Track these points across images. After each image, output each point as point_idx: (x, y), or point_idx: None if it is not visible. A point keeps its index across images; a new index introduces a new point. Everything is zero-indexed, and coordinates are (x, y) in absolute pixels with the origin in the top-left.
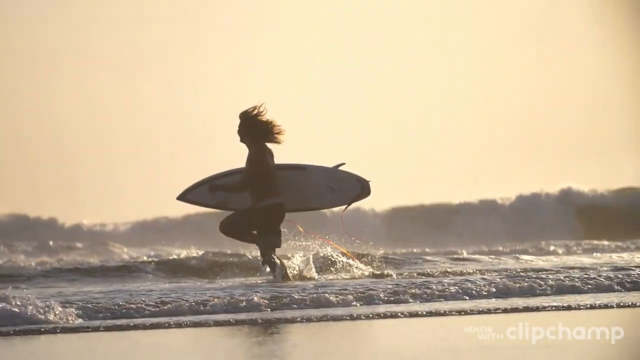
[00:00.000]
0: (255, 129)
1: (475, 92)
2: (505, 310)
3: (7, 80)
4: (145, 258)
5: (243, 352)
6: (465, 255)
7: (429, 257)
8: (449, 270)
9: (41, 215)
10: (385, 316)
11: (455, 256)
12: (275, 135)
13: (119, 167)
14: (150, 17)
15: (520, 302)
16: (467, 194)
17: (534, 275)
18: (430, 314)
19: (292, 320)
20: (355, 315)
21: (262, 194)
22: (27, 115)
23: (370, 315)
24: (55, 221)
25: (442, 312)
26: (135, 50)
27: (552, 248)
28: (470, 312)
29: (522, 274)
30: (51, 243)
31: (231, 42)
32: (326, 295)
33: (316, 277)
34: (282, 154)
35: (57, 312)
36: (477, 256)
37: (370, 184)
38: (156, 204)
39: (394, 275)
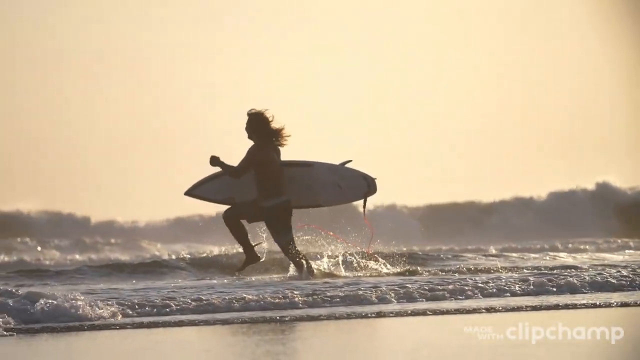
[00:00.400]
0: (262, 130)
1: (505, 89)
2: (506, 310)
3: (43, 79)
4: (178, 255)
5: (282, 349)
6: (493, 252)
7: (465, 255)
8: (470, 268)
9: (75, 213)
10: (412, 314)
11: (484, 253)
12: (280, 140)
13: (153, 165)
14: (162, 17)
15: (521, 301)
16: (502, 192)
17: (550, 274)
18: (434, 312)
19: (329, 317)
20: (390, 313)
21: (267, 193)
22: (61, 115)
23: (409, 312)
24: (88, 218)
25: (444, 311)
26: (148, 51)
27: (582, 246)
28: (471, 312)
29: (534, 272)
30: (87, 240)
31: (240, 40)
32: (359, 291)
33: (348, 275)
34: (300, 151)
35: (100, 309)
36: (506, 254)
37: (376, 181)
38: (189, 201)
39: (424, 273)
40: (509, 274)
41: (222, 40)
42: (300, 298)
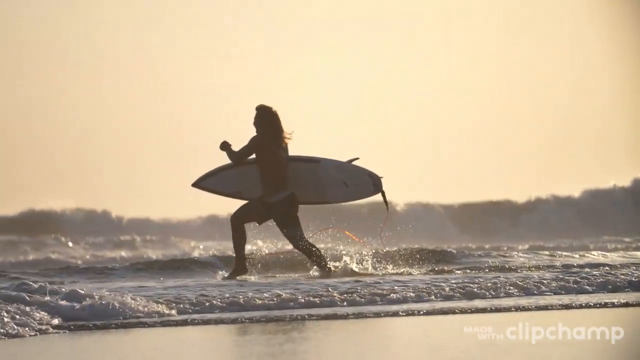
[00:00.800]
0: (270, 125)
1: (537, 86)
2: (506, 310)
3: (76, 79)
4: (211, 252)
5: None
6: (522, 250)
7: (493, 252)
8: (493, 266)
9: (109, 210)
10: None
11: (505, 252)
12: (283, 138)
13: (186, 163)
14: (177, 18)
15: (521, 301)
16: (538, 190)
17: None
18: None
19: (365, 315)
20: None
21: (271, 188)
22: (95, 114)
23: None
24: (122, 216)
25: (445, 311)
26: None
27: (615, 245)
28: (471, 312)
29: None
30: (121, 238)
31: (251, 38)
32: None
33: (378, 273)
34: (319, 148)
35: (143, 307)
36: (537, 252)
37: (382, 180)
38: (222, 199)
39: (457, 272)
40: (537, 272)
41: (233, 40)
42: (338, 296)
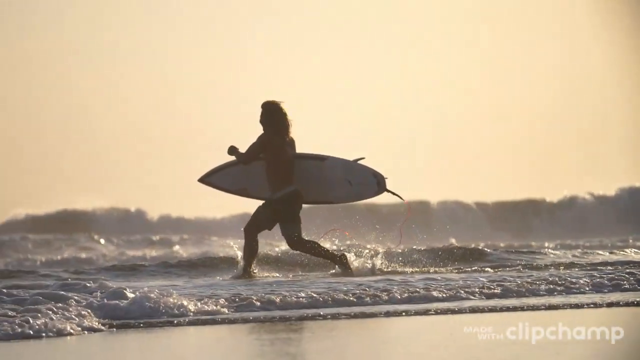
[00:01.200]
0: (276, 121)
1: (572, 86)
2: (506, 310)
3: (109, 80)
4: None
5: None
6: (553, 249)
7: (522, 250)
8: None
9: (142, 209)
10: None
11: (535, 250)
12: (288, 127)
13: (220, 161)
14: (177, 14)
15: (519, 301)
16: (572, 187)
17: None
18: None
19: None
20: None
21: (276, 185)
22: (128, 113)
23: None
24: (156, 215)
25: (444, 311)
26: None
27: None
28: (471, 312)
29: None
30: (155, 237)
31: (258, 38)
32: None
33: (393, 270)
34: (330, 144)
35: (187, 304)
36: (567, 250)
37: (387, 180)
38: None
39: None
40: (569, 271)
41: (241, 40)
42: (377, 294)
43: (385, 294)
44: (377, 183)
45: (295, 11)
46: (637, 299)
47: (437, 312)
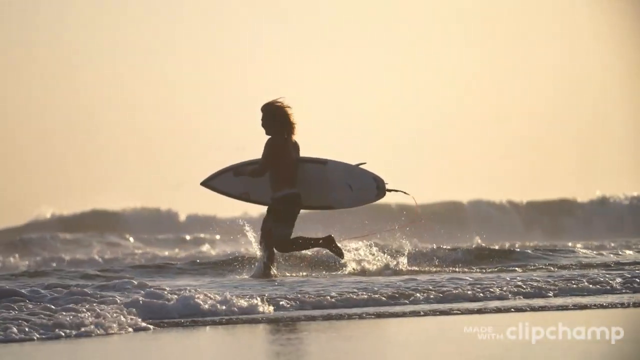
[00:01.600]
0: (278, 121)
1: (604, 85)
2: (506, 310)
3: (141, 81)
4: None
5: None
6: (580, 248)
7: (550, 251)
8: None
9: (173, 209)
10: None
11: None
12: (293, 125)
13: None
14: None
15: (520, 302)
16: (605, 188)
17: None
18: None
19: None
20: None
21: (279, 185)
22: (159, 114)
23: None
24: (186, 214)
25: (444, 311)
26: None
27: None
28: (471, 312)
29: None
30: (187, 237)
31: (261, 39)
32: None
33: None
34: (333, 147)
35: (227, 303)
36: (600, 251)
37: (387, 185)
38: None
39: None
40: (603, 271)
41: (245, 41)
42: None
43: (420, 293)
44: (377, 187)
45: (295, 12)
46: (637, 300)
47: (461, 312)
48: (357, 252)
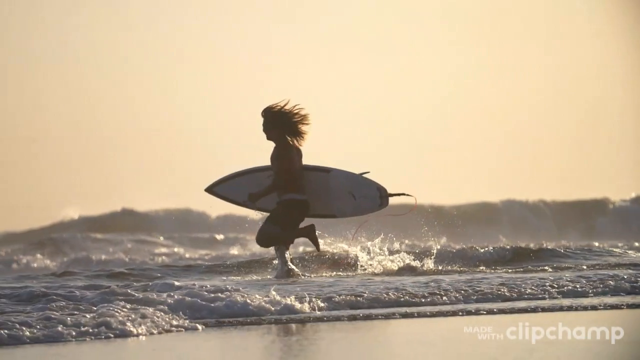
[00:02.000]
0: (278, 120)
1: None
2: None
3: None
4: (301, 249)
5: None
6: (614, 249)
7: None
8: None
9: (199, 209)
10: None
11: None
12: (300, 124)
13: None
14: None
15: (520, 302)
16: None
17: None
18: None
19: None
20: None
21: (285, 189)
22: (186, 114)
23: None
24: (217, 215)
25: (444, 312)
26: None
27: None
28: (471, 313)
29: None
30: (216, 237)
31: (263, 40)
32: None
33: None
34: (336, 155)
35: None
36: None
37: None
38: None
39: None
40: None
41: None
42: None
43: (452, 293)
44: (380, 197)
45: (296, 14)
46: (636, 300)
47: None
48: (383, 251)
